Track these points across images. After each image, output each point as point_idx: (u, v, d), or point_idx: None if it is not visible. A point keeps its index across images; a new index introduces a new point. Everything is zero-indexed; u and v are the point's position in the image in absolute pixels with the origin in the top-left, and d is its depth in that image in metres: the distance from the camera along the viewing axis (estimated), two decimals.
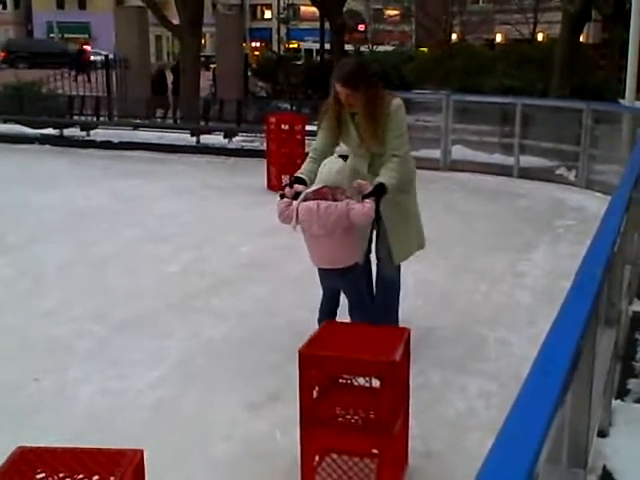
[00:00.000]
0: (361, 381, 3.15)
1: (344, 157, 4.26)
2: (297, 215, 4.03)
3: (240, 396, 4.01)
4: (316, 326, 3.77)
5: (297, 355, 3.00)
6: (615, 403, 3.60)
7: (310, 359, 2.98)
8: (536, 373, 1.50)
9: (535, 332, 4.73)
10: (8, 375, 4.31)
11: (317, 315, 4.36)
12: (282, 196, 4.17)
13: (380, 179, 4.18)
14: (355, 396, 3.13)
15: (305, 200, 4.03)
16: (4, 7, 53.86)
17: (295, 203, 4.04)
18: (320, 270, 4.30)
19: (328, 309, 4.38)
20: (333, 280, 4.28)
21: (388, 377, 2.90)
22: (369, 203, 4.01)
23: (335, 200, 4.02)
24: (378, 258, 4.61)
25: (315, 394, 3.05)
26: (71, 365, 4.45)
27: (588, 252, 2.51)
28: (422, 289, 5.75)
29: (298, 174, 4.27)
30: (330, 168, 4.04)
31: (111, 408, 3.94)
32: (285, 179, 9.77)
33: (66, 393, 4.12)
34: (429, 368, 4.28)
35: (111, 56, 19.98)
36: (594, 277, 2.10)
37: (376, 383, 3.05)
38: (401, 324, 4.04)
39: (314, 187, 4.04)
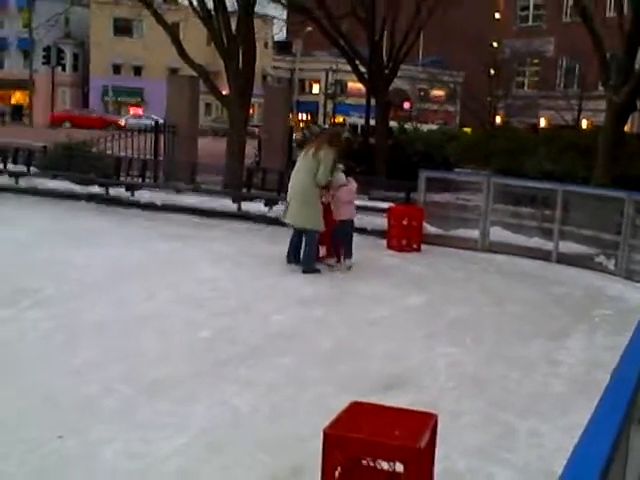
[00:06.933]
0: (385, 465, 3.10)
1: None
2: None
3: (262, 469, 3.97)
4: (342, 404, 3.66)
5: (321, 432, 2.98)
6: None
7: (334, 439, 2.95)
8: None
9: (568, 423, 4.63)
10: (33, 430, 4.34)
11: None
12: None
13: None
14: None
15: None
16: (63, 69, 56.02)
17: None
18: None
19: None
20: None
21: (412, 463, 2.86)
22: None
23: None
24: None
25: (337, 475, 3.01)
26: (96, 424, 4.46)
27: (625, 353, 2.45)
28: (453, 372, 5.69)
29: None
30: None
31: (132, 471, 3.92)
32: (322, 250, 9.87)
33: (89, 452, 4.12)
34: (454, 454, 4.20)
35: (161, 121, 20.49)
36: (629, 381, 2.06)
37: (400, 468, 3.00)
38: (428, 407, 3.97)
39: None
